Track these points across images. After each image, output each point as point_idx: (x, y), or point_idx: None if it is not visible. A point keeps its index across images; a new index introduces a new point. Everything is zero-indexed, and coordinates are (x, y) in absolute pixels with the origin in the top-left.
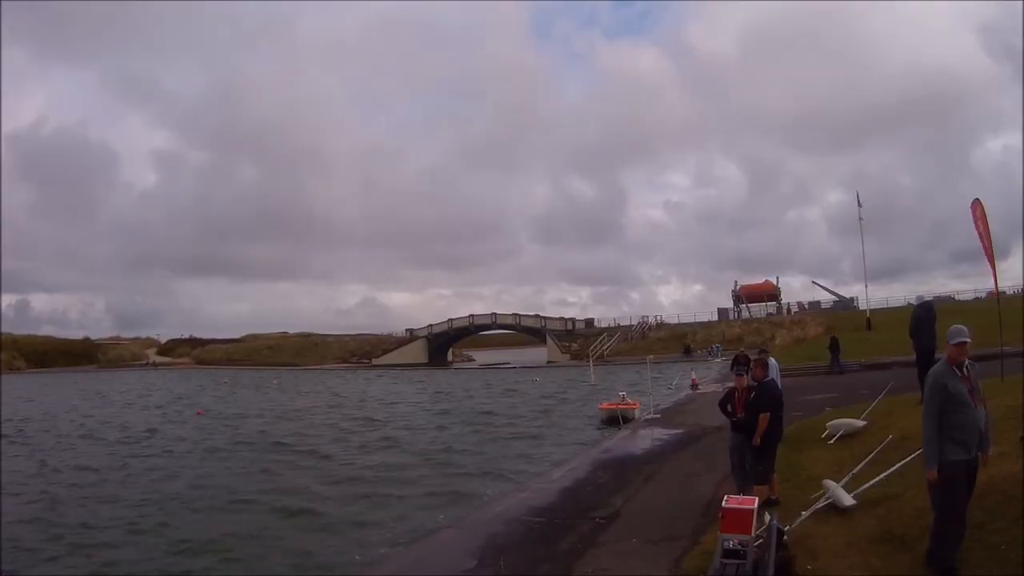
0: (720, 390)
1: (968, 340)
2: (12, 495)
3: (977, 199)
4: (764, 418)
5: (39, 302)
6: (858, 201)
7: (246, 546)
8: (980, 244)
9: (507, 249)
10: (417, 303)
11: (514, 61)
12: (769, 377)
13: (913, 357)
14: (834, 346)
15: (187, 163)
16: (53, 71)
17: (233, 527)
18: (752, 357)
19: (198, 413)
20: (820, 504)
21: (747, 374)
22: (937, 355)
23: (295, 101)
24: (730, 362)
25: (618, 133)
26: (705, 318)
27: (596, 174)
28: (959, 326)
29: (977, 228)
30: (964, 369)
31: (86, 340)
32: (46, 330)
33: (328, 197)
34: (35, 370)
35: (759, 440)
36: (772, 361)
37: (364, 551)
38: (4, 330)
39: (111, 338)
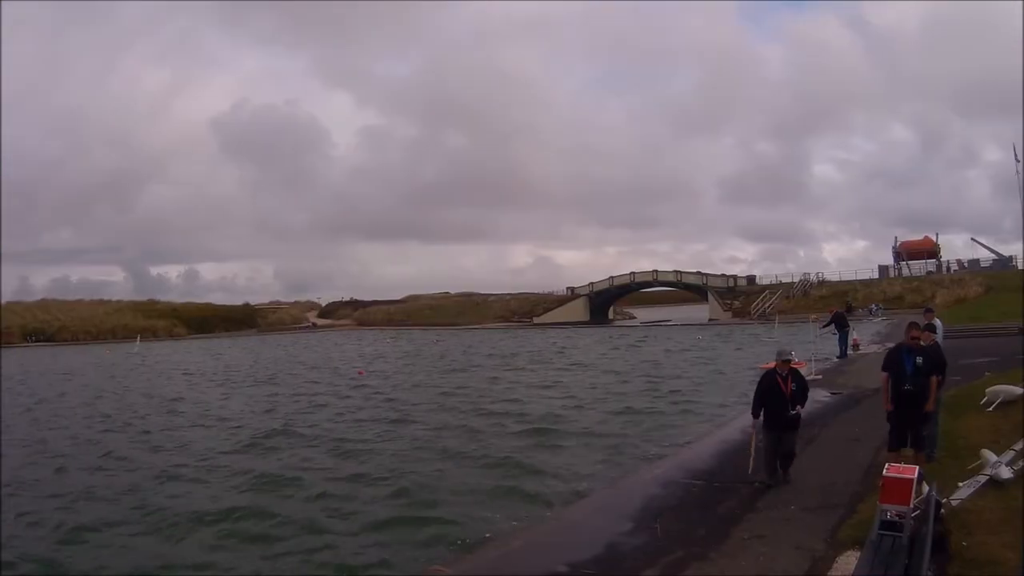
0: (881, 351)
1: None
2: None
3: None
4: (935, 382)
5: (208, 271)
6: (1015, 156)
7: None
8: None
9: (680, 208)
10: (583, 260)
11: (711, 29)
12: (935, 340)
13: None
14: (840, 320)
15: (390, 136)
16: (268, 58)
17: None
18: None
19: (359, 373)
20: (982, 481)
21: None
22: None
23: (491, 71)
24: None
25: (798, 97)
26: (866, 275)
27: (774, 136)
28: None
29: None
30: None
31: (246, 305)
32: (214, 297)
33: (522, 162)
34: (195, 336)
35: (932, 405)
36: (937, 322)
37: None
38: (170, 298)
39: (271, 303)
